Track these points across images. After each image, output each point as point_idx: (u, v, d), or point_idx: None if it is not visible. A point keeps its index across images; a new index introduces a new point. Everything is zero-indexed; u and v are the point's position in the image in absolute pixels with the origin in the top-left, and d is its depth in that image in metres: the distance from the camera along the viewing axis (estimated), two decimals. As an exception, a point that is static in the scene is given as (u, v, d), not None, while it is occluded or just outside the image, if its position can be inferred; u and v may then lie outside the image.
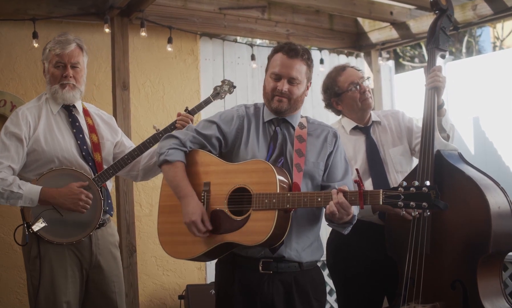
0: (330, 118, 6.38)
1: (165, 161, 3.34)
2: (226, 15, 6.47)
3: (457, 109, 7.75)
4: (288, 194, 3.10)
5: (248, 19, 6.62)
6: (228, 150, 3.41)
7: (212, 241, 3.20)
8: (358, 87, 4.07)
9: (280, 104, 3.33)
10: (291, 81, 3.32)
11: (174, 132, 3.48)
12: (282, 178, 3.17)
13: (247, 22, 6.62)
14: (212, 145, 3.39)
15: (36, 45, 5.53)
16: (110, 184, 4.15)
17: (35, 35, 5.49)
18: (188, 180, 3.30)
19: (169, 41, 6.03)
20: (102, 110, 4.30)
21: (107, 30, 5.61)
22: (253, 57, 6.68)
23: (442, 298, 3.54)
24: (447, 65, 8.18)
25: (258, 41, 7.73)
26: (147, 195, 6.15)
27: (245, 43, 7.15)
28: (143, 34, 5.77)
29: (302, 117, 3.50)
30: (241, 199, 3.20)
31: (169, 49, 6.07)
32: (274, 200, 3.08)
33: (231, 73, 6.87)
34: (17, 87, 5.68)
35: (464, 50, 14.38)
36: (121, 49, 5.63)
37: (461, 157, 3.80)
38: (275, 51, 3.41)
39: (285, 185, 3.17)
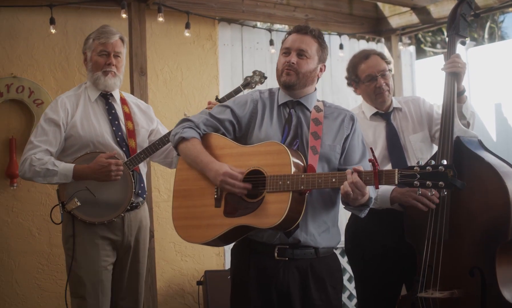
0: (350, 105, 6.36)
1: (182, 138, 3.33)
2: (244, 0, 6.42)
3: (479, 95, 7.66)
4: (303, 176, 3.07)
5: (267, 4, 6.55)
6: (242, 134, 3.40)
7: (226, 224, 3.19)
8: (375, 80, 4.03)
9: (288, 77, 3.32)
10: (300, 53, 3.32)
11: (188, 116, 3.47)
12: (296, 160, 3.15)
13: (265, 7, 6.55)
14: (226, 129, 3.37)
15: (53, 31, 5.54)
16: (145, 169, 4.33)
17: (52, 21, 5.49)
18: (207, 152, 3.29)
19: (187, 26, 5.99)
20: (141, 100, 4.55)
21: (124, 15, 5.59)
22: (271, 42, 6.62)
23: (460, 285, 3.52)
24: (469, 51, 8.07)
25: (277, 26, 7.68)
26: (166, 181, 6.14)
27: (264, 28, 7.09)
28: (161, 19, 5.74)
29: (318, 101, 3.46)
30: (255, 181, 3.17)
31: (187, 34, 6.04)
32: (288, 182, 3.06)
33: (249, 58, 6.82)
34: (35, 73, 5.68)
35: (486, 36, 14.21)
36: (138, 34, 5.64)
37: (481, 143, 3.77)
38: (288, 34, 3.43)
39: (299, 167, 3.15)
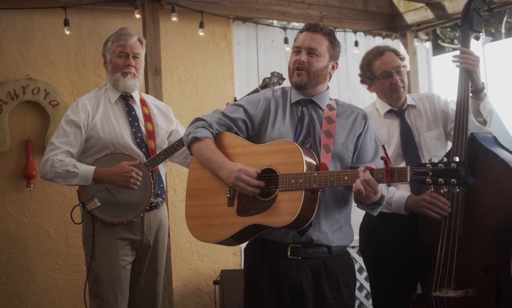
0: (366, 102, 6.34)
1: (195, 138, 3.33)
2: (258, -2, 6.42)
3: (497, 90, 7.61)
4: (315, 174, 3.06)
5: (281, 1, 6.52)
6: (255, 133, 3.39)
7: (239, 223, 3.18)
8: (390, 77, 4.00)
9: (298, 77, 3.31)
10: (310, 51, 3.30)
11: (201, 116, 3.48)
12: (309, 158, 3.14)
13: (279, 5, 6.53)
14: (239, 128, 3.37)
15: (67, 32, 5.57)
16: (164, 170, 4.37)
17: (66, 23, 5.51)
18: (220, 152, 3.28)
19: (201, 25, 5.98)
20: (160, 101, 4.60)
21: (137, 16, 5.60)
22: (286, 41, 6.60)
23: (474, 284, 3.49)
24: (486, 46, 8.04)
25: (293, 24, 7.65)
26: (182, 181, 6.16)
27: (279, 27, 7.08)
28: (174, 19, 5.74)
29: (331, 99, 3.45)
30: (268, 180, 3.16)
31: (201, 33, 6.04)
32: (300, 180, 3.05)
33: (264, 57, 6.82)
34: (50, 74, 5.72)
35: (503, 31, 14.07)
36: (152, 34, 5.65)
37: (495, 140, 3.74)
38: (300, 32, 3.43)
39: (312, 166, 3.13)
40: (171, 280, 5.66)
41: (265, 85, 4.27)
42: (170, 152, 4.17)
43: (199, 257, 6.28)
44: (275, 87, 4.30)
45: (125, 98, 4.29)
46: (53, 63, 5.74)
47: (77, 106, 4.19)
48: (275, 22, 7.98)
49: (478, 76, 3.83)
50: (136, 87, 4.31)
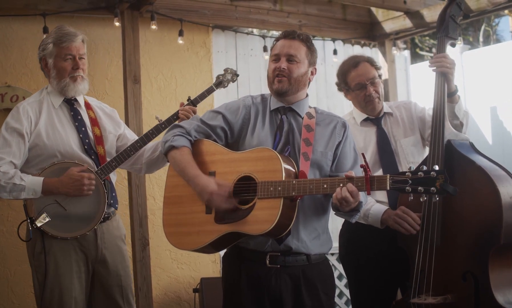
0: (345, 110, 6.37)
1: (172, 147, 3.31)
2: (238, 6, 6.43)
3: (474, 98, 7.67)
4: (294, 182, 3.06)
5: (260, 10, 6.57)
6: (234, 140, 3.39)
7: (217, 230, 3.17)
8: (364, 89, 4.02)
9: (279, 84, 3.31)
10: (290, 58, 3.32)
11: (179, 123, 3.46)
12: (287, 166, 3.13)
13: (258, 13, 6.57)
14: (218, 135, 3.37)
15: (46, 40, 5.54)
16: (114, 178, 4.11)
17: (45, 30, 5.47)
18: (195, 163, 3.27)
19: (180, 33, 6.01)
20: (104, 103, 4.25)
21: (117, 24, 5.60)
22: (265, 49, 6.62)
23: (453, 290, 3.49)
24: (464, 54, 8.09)
25: (273, 32, 7.66)
26: (161, 189, 6.14)
27: (258, 35, 7.10)
28: (154, 27, 5.76)
29: (310, 107, 3.46)
30: (246, 187, 3.16)
31: (180, 41, 6.05)
32: (279, 188, 3.05)
33: (244, 65, 6.84)
34: (29, 82, 5.69)
35: (481, 39, 14.20)
36: (131, 42, 5.62)
37: (472, 146, 3.74)
38: (276, 40, 3.44)
39: (291, 173, 3.13)
40: (150, 288, 5.61)
41: (219, 82, 4.12)
42: (123, 158, 3.89)
43: (179, 265, 6.26)
44: (230, 85, 4.24)
45: (70, 102, 3.94)
46: (32, 71, 5.70)
47: (18, 113, 3.80)
48: (254, 30, 8.00)
49: (453, 79, 3.84)
50: (86, 90, 3.98)
